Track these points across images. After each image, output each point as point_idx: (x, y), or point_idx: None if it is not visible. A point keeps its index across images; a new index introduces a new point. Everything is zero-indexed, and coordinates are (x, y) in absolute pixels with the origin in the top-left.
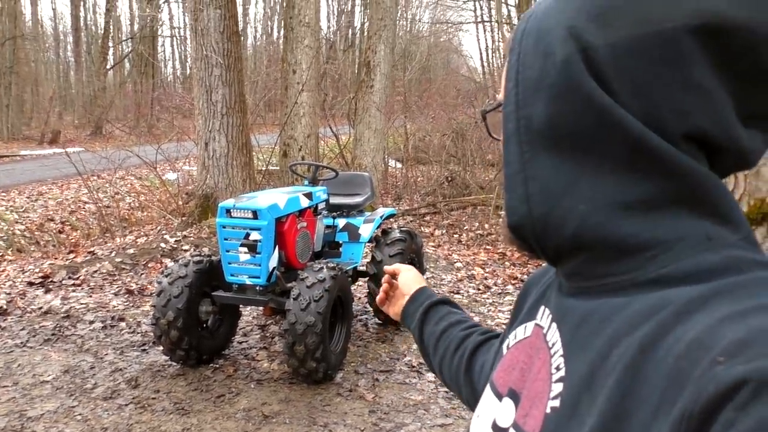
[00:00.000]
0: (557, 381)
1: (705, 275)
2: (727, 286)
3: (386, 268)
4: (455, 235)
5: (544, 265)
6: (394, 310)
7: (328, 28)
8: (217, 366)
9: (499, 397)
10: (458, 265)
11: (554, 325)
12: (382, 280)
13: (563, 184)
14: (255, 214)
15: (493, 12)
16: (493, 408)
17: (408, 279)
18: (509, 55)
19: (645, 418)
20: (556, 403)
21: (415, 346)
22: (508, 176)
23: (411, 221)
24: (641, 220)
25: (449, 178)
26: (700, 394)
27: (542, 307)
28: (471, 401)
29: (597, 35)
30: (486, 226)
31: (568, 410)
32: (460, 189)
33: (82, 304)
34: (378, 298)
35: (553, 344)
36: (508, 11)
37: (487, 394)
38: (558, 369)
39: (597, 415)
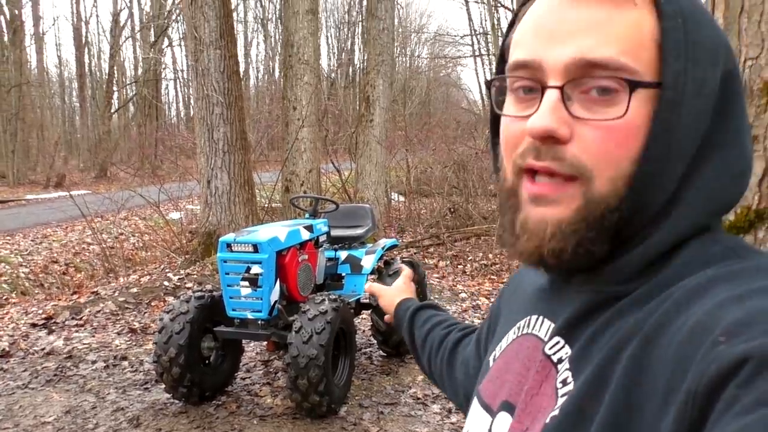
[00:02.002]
0: (563, 395)
1: (705, 264)
2: (725, 274)
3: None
4: (459, 266)
5: (515, 274)
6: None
7: (329, 66)
8: (220, 403)
9: (488, 409)
10: (463, 295)
11: (556, 337)
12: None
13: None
14: (255, 248)
15: (491, 46)
16: (483, 421)
17: (393, 292)
18: (672, 33)
19: (656, 408)
20: (556, 411)
21: (420, 377)
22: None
23: (415, 253)
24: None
25: (452, 210)
26: (703, 373)
27: (535, 317)
28: (452, 397)
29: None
30: (490, 256)
31: (573, 416)
32: (462, 220)
33: (84, 344)
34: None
35: (558, 358)
36: None
37: (475, 406)
38: (565, 383)
39: (605, 409)
